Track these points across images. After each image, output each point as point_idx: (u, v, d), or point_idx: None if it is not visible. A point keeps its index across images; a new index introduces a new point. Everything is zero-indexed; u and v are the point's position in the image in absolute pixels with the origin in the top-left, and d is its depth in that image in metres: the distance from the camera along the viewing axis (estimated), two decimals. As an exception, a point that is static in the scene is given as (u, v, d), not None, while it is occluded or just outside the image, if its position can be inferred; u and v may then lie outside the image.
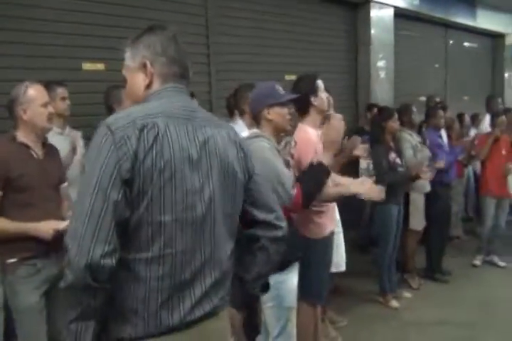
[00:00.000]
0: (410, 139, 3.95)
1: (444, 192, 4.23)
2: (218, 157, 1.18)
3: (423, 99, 6.17)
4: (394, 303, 3.63)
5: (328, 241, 2.54)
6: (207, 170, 1.15)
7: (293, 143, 2.37)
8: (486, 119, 5.86)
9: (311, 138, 2.36)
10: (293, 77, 3.61)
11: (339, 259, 2.99)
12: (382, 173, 3.53)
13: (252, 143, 1.89)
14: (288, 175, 2.00)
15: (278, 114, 2.02)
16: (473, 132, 5.68)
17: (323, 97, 2.45)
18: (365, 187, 2.31)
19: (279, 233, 1.33)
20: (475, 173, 5.62)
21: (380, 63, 5.72)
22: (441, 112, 4.28)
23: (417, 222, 3.99)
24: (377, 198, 2.35)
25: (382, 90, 5.71)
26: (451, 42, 7.59)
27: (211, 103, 4.09)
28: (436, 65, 7.36)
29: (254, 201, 1.30)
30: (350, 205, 3.23)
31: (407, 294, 3.84)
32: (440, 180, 4.11)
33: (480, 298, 3.81)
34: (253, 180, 1.30)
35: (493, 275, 4.37)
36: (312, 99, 2.41)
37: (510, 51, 8.72)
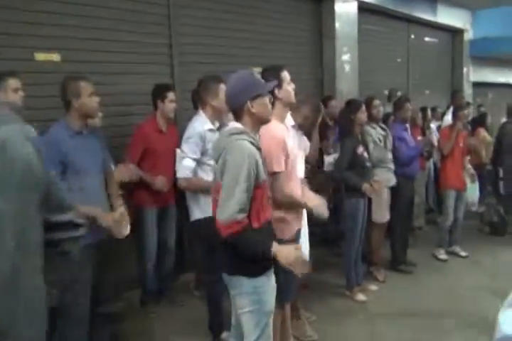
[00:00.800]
0: (373, 133, 3.96)
1: (407, 184, 4.28)
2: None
3: (386, 92, 6.23)
4: (361, 296, 3.65)
5: (295, 240, 2.50)
6: None
7: (258, 137, 2.30)
8: (450, 113, 5.98)
9: (276, 136, 2.28)
10: (258, 70, 3.65)
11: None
12: (341, 168, 3.53)
13: (234, 140, 1.82)
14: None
15: (261, 106, 1.90)
16: (433, 125, 5.79)
17: (288, 89, 2.38)
18: (314, 203, 2.41)
19: None
20: (435, 165, 5.74)
21: (345, 57, 5.73)
22: (408, 105, 4.32)
23: (382, 214, 4.02)
24: (322, 214, 2.46)
25: (347, 83, 5.73)
26: (412, 36, 7.71)
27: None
28: (399, 59, 7.46)
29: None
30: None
31: (374, 287, 3.88)
32: (404, 173, 4.17)
33: (445, 288, 3.89)
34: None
35: (456, 265, 4.48)
36: (276, 91, 2.34)
37: (468, 47, 8.96)
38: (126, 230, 2.38)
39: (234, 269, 1.88)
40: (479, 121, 6.11)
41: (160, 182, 3.18)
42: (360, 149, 3.64)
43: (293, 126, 2.87)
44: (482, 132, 5.92)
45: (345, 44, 5.72)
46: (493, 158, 5.75)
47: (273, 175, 2.24)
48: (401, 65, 7.53)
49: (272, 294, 2.00)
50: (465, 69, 8.97)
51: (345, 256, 3.73)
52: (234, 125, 1.94)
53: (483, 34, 8.98)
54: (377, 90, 6.27)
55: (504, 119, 7.20)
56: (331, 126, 4.84)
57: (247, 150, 1.79)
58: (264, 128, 2.18)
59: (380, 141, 3.94)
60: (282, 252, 1.81)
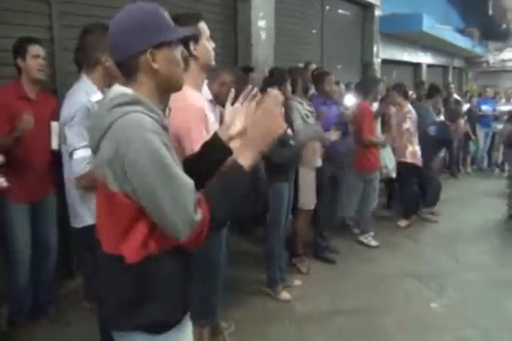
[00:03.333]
0: (300, 108, 3.48)
1: (329, 165, 3.91)
2: None
3: (301, 65, 5.80)
4: (285, 295, 3.22)
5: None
6: None
7: (167, 112, 1.66)
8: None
9: (195, 105, 1.68)
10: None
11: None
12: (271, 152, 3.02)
13: (125, 114, 1.09)
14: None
15: (169, 60, 1.18)
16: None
17: (207, 46, 1.77)
18: None
19: None
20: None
21: (261, 23, 5.14)
22: (331, 77, 3.90)
23: (309, 199, 3.61)
24: None
25: (263, 52, 5.17)
26: (327, 8, 7.34)
27: (54, 55, 3.09)
28: (314, 31, 7.07)
29: None
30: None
31: (298, 282, 3.47)
32: (328, 153, 3.79)
33: (371, 278, 3.62)
34: None
35: (378, 251, 4.26)
36: (192, 46, 1.71)
37: (378, 23, 8.85)
38: None
39: (128, 321, 1.16)
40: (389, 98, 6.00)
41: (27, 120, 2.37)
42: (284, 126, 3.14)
43: (210, 101, 2.26)
44: (391, 109, 5.81)
45: (262, 9, 5.12)
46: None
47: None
48: (316, 37, 7.15)
49: None
50: (375, 46, 8.89)
51: (268, 249, 3.26)
52: (120, 90, 1.17)
53: (391, 10, 8.94)
54: (292, 62, 5.82)
55: (413, 96, 7.27)
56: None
57: (149, 127, 1.08)
58: (175, 99, 1.54)
59: (308, 117, 3.48)
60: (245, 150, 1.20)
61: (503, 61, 19.43)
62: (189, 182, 1.09)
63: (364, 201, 4.37)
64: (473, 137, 8.27)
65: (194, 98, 1.70)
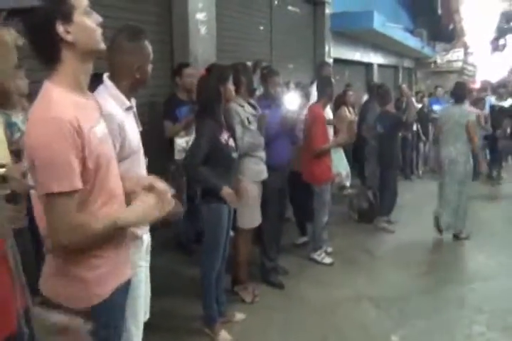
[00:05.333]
0: (240, 112, 3.00)
1: (276, 177, 3.43)
2: None
3: (249, 63, 5.33)
4: (225, 336, 2.69)
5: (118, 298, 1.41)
6: None
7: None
8: (313, 88, 5.37)
9: (59, 117, 1.14)
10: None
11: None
12: (194, 164, 2.52)
13: None
14: None
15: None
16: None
17: (86, 24, 1.23)
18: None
19: None
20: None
21: (200, 15, 4.60)
22: (275, 79, 3.43)
23: (252, 218, 3.12)
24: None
25: (203, 48, 4.63)
26: (276, 3, 6.90)
27: None
28: (262, 27, 6.61)
29: None
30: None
31: (240, 315, 2.96)
32: (273, 162, 3.32)
33: (323, 305, 3.18)
34: None
35: (331, 268, 3.85)
36: (61, 27, 1.18)
37: (330, 21, 8.53)
38: None
39: None
40: (342, 100, 5.68)
41: None
42: (225, 136, 2.64)
43: (128, 108, 1.73)
44: (344, 111, 5.49)
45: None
46: (357, 137, 5.42)
47: (48, 198, 1.13)
48: (264, 34, 6.69)
49: None
50: (327, 45, 8.57)
51: (204, 279, 2.74)
52: None
53: (342, 8, 8.66)
54: (237, 60, 5.32)
55: (366, 97, 6.99)
56: (184, 100, 3.81)
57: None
58: (39, 98, 1.15)
59: (249, 122, 2.99)
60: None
61: (450, 62, 19.92)
62: None
63: (314, 216, 3.93)
64: (423, 138, 8.12)
65: (62, 105, 1.16)
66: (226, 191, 2.53)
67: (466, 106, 4.78)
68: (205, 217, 2.69)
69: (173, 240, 4.11)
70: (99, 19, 1.27)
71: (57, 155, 1.12)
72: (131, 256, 1.71)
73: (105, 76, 1.71)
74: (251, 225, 3.14)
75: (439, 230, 4.56)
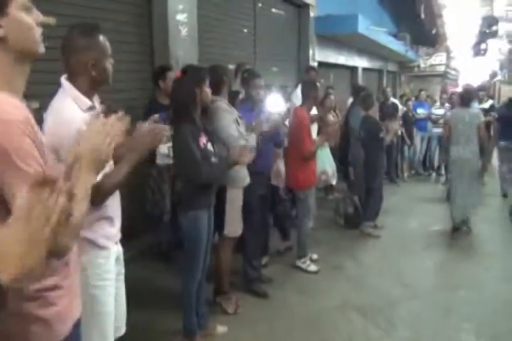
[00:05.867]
0: (230, 110, 2.91)
1: (259, 183, 3.33)
2: None
3: (232, 67, 5.23)
4: (206, 350, 2.60)
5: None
6: None
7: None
8: (298, 91, 5.29)
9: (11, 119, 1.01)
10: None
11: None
12: (197, 165, 2.41)
13: None
14: None
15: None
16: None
17: (23, 19, 1.09)
18: None
19: None
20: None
21: (181, 16, 4.49)
22: (256, 81, 3.33)
23: (236, 226, 3.01)
24: None
25: (184, 51, 4.51)
26: (260, 5, 6.82)
27: None
28: (245, 30, 6.51)
29: None
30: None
31: (222, 328, 2.83)
32: (254, 167, 3.21)
33: (309, 315, 3.07)
34: None
35: (318, 275, 3.75)
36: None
37: (314, 24, 8.48)
38: None
39: None
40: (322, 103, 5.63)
41: None
42: (203, 140, 2.52)
43: (90, 108, 1.59)
44: (330, 117, 5.43)
45: (181, 0, 4.48)
46: (341, 141, 5.40)
47: None
48: (247, 37, 6.60)
49: None
50: (311, 48, 8.51)
51: (185, 289, 2.61)
52: None
53: (326, 11, 8.62)
54: (220, 63, 5.21)
55: (350, 100, 6.93)
56: (165, 105, 3.68)
57: None
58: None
59: (239, 124, 2.89)
60: None
61: (432, 65, 20.15)
62: None
63: (298, 224, 3.82)
64: (407, 142, 8.10)
65: (10, 111, 1.03)
66: (234, 149, 2.59)
67: (475, 109, 5.13)
68: (183, 225, 2.57)
69: (155, 248, 3.97)
70: (41, 18, 1.13)
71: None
72: (97, 269, 1.59)
73: (62, 78, 1.58)
74: (234, 234, 3.02)
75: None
